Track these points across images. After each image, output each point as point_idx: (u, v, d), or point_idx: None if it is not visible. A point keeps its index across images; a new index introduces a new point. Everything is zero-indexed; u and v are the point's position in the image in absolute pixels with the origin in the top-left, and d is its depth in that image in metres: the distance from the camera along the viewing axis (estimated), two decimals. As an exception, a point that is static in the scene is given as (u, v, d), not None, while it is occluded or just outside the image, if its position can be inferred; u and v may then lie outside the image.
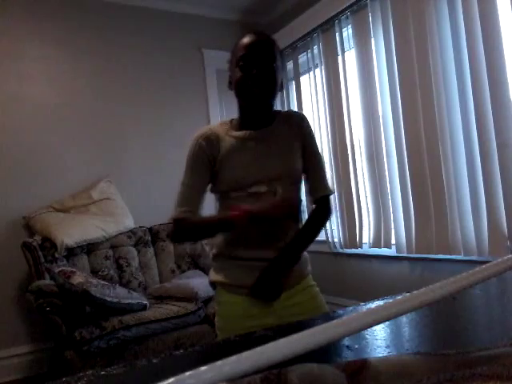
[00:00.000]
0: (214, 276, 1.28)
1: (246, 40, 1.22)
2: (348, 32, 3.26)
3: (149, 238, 3.25)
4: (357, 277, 3.29)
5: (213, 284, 1.30)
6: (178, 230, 1.21)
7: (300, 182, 1.30)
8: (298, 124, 1.29)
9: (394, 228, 2.91)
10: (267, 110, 1.26)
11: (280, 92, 1.28)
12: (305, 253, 1.30)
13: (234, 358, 0.23)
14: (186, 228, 1.22)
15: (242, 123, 1.27)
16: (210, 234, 1.28)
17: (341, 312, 0.75)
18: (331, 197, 1.34)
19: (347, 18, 3.20)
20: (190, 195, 1.22)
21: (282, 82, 1.27)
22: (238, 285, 1.21)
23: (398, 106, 2.80)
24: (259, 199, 1.19)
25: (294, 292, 1.24)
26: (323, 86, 3.45)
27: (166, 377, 0.22)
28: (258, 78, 1.18)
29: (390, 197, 2.94)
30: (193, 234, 1.27)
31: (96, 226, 2.96)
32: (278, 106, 4.04)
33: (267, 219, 1.14)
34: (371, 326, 0.26)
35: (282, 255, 1.19)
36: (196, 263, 3.25)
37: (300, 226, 1.29)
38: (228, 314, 1.25)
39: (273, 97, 1.24)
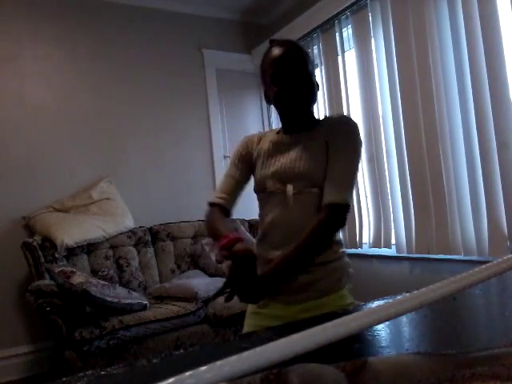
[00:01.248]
0: None
1: (272, 55, 1.21)
2: (348, 32, 3.26)
3: (149, 238, 3.25)
4: (357, 277, 3.28)
5: None
6: (206, 217, 1.30)
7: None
8: (331, 125, 1.23)
9: (394, 228, 2.91)
10: (308, 115, 1.26)
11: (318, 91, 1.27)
12: (345, 259, 1.25)
13: (233, 358, 0.23)
14: (208, 221, 1.29)
15: (284, 129, 1.30)
16: (213, 238, 1.34)
17: (341, 312, 0.75)
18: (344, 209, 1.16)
19: (347, 18, 3.20)
20: (227, 184, 1.33)
21: (317, 83, 1.26)
22: None
23: (398, 106, 2.80)
24: (271, 197, 1.23)
25: (315, 305, 1.16)
26: (323, 86, 3.45)
27: (166, 377, 0.22)
28: (294, 90, 1.18)
29: (389, 197, 2.94)
30: (208, 230, 1.33)
31: (96, 226, 2.97)
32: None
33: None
34: (371, 325, 0.26)
35: (270, 272, 1.13)
36: (196, 263, 3.25)
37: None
38: (249, 309, 1.29)
39: (312, 102, 1.24)
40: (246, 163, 1.33)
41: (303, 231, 1.13)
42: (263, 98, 1.32)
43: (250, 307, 1.30)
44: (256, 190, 1.31)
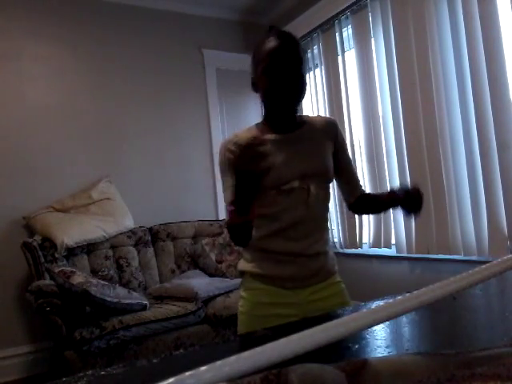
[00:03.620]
0: (243, 265, 1.32)
1: (269, 46, 1.18)
2: (348, 32, 3.26)
3: (149, 237, 3.25)
4: (357, 277, 3.29)
5: (241, 272, 1.35)
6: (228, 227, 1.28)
7: (330, 183, 1.31)
8: (332, 129, 1.32)
9: (394, 228, 2.91)
10: (294, 113, 1.27)
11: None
12: (331, 252, 1.36)
13: (233, 358, 0.23)
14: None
15: (269, 127, 1.28)
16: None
17: (341, 312, 0.75)
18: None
19: (347, 18, 3.20)
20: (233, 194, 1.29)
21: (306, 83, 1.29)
22: (267, 275, 1.26)
23: (398, 106, 2.80)
24: (291, 195, 1.22)
25: (321, 287, 1.28)
26: (323, 86, 3.45)
27: (166, 377, 0.22)
28: (287, 86, 1.17)
29: (390, 197, 2.94)
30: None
31: (96, 226, 2.96)
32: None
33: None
34: (371, 325, 0.26)
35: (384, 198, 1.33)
36: (196, 263, 3.25)
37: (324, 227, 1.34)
38: (255, 299, 1.29)
39: (300, 101, 1.25)
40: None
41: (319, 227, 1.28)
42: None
43: (255, 298, 1.29)
44: (268, 187, 1.23)
